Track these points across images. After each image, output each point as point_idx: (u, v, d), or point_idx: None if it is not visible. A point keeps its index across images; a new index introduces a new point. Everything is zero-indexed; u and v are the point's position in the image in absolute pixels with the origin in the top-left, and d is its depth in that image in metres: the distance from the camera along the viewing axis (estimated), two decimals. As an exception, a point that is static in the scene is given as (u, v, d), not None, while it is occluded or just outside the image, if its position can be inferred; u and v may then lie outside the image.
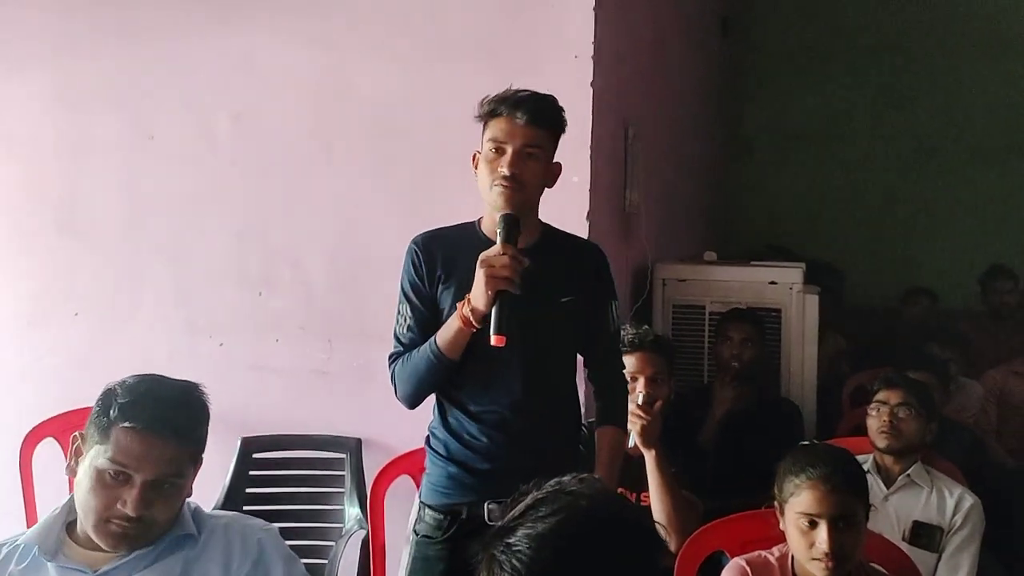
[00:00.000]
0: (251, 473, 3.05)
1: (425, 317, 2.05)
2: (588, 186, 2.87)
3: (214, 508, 2.78)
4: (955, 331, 4.20)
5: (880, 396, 2.69)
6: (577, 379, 2.19)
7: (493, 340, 1.83)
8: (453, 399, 2.05)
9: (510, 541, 1.06)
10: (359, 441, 3.05)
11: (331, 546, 2.88)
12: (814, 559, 1.88)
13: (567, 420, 2.12)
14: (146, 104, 3.30)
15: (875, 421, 2.67)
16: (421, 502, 2.09)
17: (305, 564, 2.60)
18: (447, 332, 1.95)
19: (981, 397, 3.87)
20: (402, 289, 2.09)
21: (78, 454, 1.54)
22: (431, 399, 2.09)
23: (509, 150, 1.95)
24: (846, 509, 1.89)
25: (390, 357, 2.08)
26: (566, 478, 1.14)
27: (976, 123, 5.66)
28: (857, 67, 5.82)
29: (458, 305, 1.92)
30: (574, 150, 2.85)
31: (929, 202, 5.72)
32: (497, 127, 1.97)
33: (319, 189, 3.13)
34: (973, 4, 5.64)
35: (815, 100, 5.85)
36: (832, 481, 1.90)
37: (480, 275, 1.85)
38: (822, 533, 1.87)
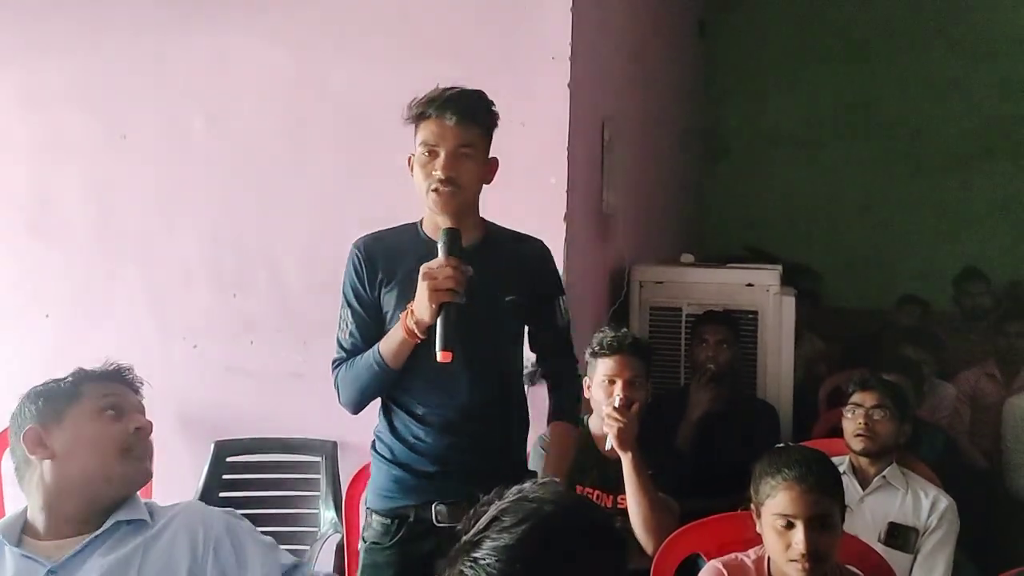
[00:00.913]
0: (225, 477, 3.01)
1: (367, 323, 2.02)
2: (565, 187, 2.86)
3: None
4: (928, 333, 4.23)
5: (855, 398, 2.70)
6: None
7: (439, 356, 1.80)
8: (399, 402, 2.03)
9: (477, 556, 1.03)
10: (335, 444, 3.03)
11: (306, 550, 2.85)
12: (791, 560, 1.88)
13: (514, 420, 2.11)
14: (118, 103, 3.26)
15: (850, 424, 2.67)
16: (368, 508, 2.08)
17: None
18: (390, 343, 1.93)
19: (954, 399, 3.91)
20: (344, 294, 2.06)
21: (41, 441, 1.57)
22: (376, 402, 2.07)
23: (442, 152, 1.93)
24: (822, 509, 1.90)
25: (333, 363, 2.05)
26: (527, 484, 1.12)
27: (950, 127, 5.72)
28: (833, 70, 5.86)
29: (401, 316, 1.89)
30: (551, 151, 2.85)
31: (905, 205, 5.77)
32: (427, 130, 1.95)
33: (294, 189, 3.10)
34: (947, 11, 5.70)
35: (792, 103, 5.89)
36: (807, 481, 1.90)
37: (423, 288, 1.83)
38: (799, 534, 1.87)
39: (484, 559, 1.03)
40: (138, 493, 1.64)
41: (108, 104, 3.27)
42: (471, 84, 2.07)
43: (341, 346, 2.04)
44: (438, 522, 1.97)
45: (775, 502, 1.92)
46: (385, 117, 3.00)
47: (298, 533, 2.94)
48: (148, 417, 1.69)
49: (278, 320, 3.11)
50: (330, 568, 2.88)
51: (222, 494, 2.97)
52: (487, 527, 1.06)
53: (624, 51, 3.68)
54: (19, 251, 3.35)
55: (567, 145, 2.85)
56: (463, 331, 1.84)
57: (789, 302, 3.32)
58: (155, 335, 3.21)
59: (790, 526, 1.89)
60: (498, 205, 2.84)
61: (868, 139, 5.83)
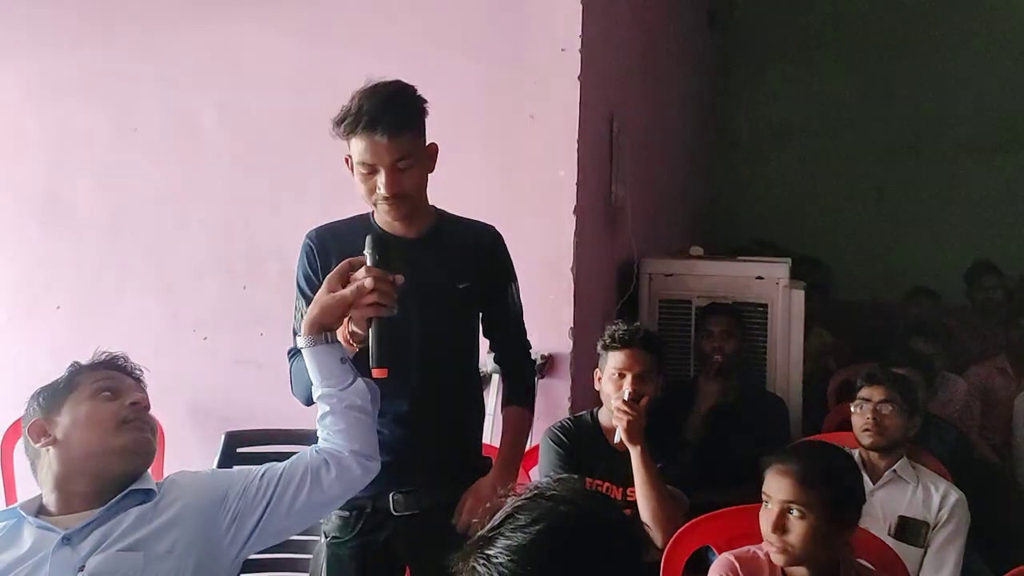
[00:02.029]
0: (235, 468, 3.02)
1: None
2: (574, 180, 2.86)
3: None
4: (940, 326, 4.21)
5: (863, 393, 2.68)
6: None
7: (374, 373, 1.73)
8: None
9: (490, 553, 1.03)
10: (344, 436, 3.03)
11: (316, 540, 2.85)
12: (768, 542, 1.90)
13: (468, 407, 2.12)
14: (129, 96, 3.27)
15: (859, 419, 2.66)
16: None
17: (289, 559, 2.61)
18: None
19: (965, 393, 3.88)
20: (297, 285, 2.05)
21: (45, 431, 1.62)
22: None
23: (382, 170, 1.86)
24: (799, 498, 1.89)
25: (288, 352, 2.03)
26: (544, 482, 1.11)
27: (963, 119, 5.68)
28: (844, 62, 5.83)
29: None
30: (560, 143, 2.85)
31: (916, 198, 5.74)
32: (359, 147, 1.87)
33: (304, 181, 3.10)
34: (960, 3, 5.66)
35: (802, 94, 5.86)
36: (789, 467, 1.91)
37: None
38: (771, 515, 1.89)
39: (497, 557, 1.02)
40: (149, 471, 1.67)
41: (119, 97, 3.28)
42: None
43: (296, 335, 1.98)
44: (395, 511, 1.99)
45: (765, 485, 1.95)
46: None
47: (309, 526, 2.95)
48: (158, 408, 1.71)
49: (288, 312, 3.10)
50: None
51: (232, 485, 2.98)
52: (502, 523, 1.05)
53: (634, 43, 3.67)
54: (30, 243, 3.37)
55: (576, 137, 2.85)
56: (416, 317, 1.83)
57: (798, 295, 3.31)
58: (166, 327, 3.22)
59: (771, 508, 1.91)
60: (507, 198, 2.86)
61: (879, 131, 5.80)
